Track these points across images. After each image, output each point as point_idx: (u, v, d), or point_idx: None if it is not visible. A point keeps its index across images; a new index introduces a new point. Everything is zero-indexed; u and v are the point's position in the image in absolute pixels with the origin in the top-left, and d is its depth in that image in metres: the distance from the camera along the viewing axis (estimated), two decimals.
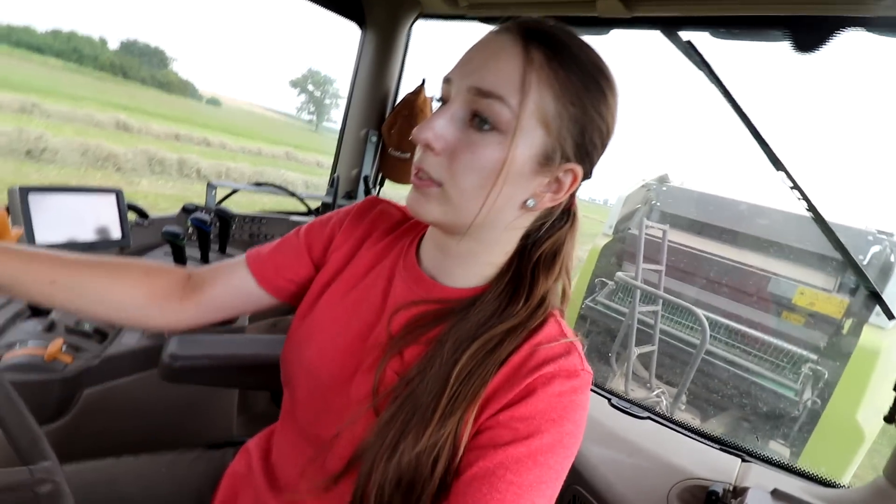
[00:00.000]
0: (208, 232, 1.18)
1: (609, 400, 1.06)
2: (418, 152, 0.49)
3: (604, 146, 0.49)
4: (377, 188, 1.61)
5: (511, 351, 0.48)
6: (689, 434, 0.99)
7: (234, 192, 1.40)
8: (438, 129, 0.46)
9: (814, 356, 3.13)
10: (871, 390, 2.88)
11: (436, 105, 0.51)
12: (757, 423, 3.25)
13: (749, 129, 0.96)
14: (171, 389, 0.87)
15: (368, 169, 1.54)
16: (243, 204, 1.28)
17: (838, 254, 3.07)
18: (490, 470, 0.43)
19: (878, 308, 2.94)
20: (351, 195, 1.57)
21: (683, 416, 3.31)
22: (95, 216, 1.12)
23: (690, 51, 0.99)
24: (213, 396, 1.10)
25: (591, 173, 0.50)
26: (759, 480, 0.80)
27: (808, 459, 2.97)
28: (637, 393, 3.38)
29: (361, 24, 1.45)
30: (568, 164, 0.47)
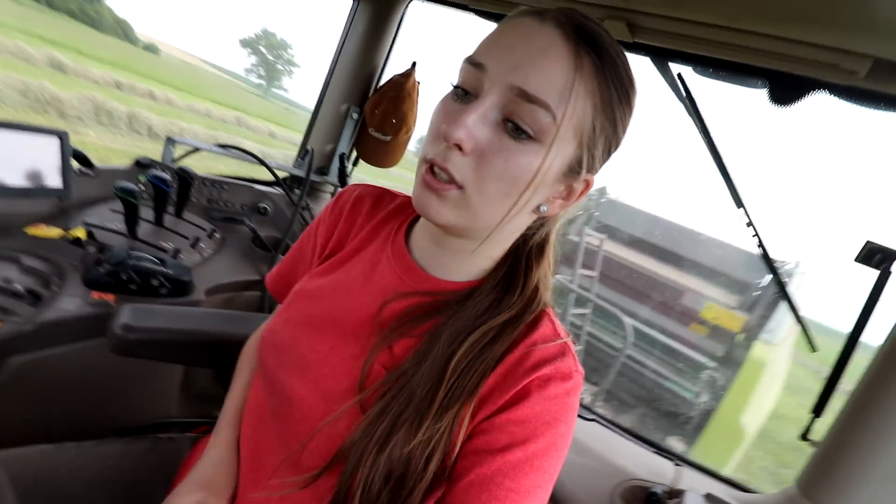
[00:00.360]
0: (168, 192, 1.09)
1: None
2: (433, 146, 0.44)
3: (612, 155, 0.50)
4: (351, 167, 1.55)
5: (508, 347, 0.48)
6: (629, 437, 1.07)
7: (195, 150, 1.29)
8: (473, 128, 0.42)
9: (712, 364, 3.52)
10: (755, 397, 3.29)
11: (430, 88, 0.49)
12: (659, 419, 3.60)
13: (718, 166, 1.04)
14: (113, 363, 0.79)
15: (345, 146, 1.48)
16: (196, 167, 1.17)
17: (745, 278, 3.44)
18: (488, 477, 0.43)
19: (770, 325, 3.39)
20: (323, 171, 1.51)
21: (599, 411, 3.59)
22: (32, 159, 0.99)
23: (678, 83, 1.05)
24: (157, 373, 1.03)
25: None
26: (690, 483, 0.89)
27: (699, 454, 3.35)
28: None
29: None
30: (587, 176, 0.48)
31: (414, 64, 1.39)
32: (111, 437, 0.71)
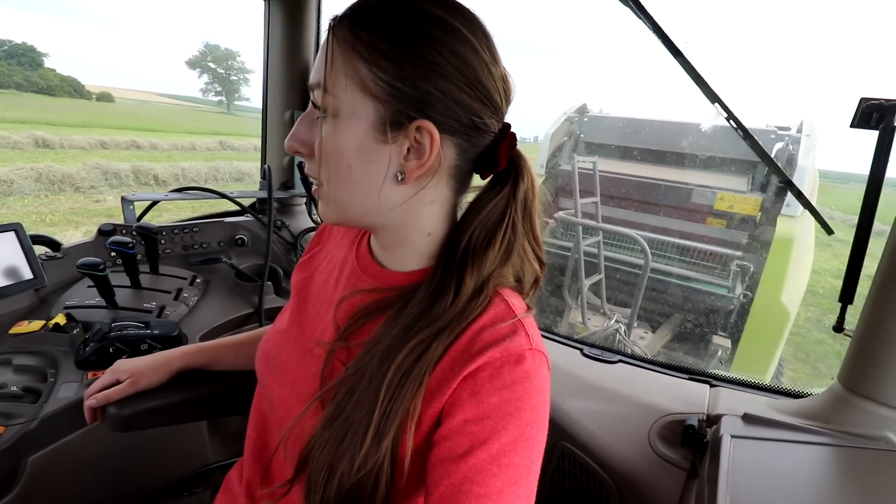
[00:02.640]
0: (133, 254, 1.06)
1: (581, 350, 1.09)
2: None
3: (463, 89, 0.44)
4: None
5: (446, 348, 0.46)
6: (658, 370, 1.03)
7: (154, 203, 1.25)
8: (298, 133, 0.48)
9: (739, 253, 3.42)
10: (790, 273, 3.21)
11: None
12: (699, 321, 3.56)
13: (683, 66, 0.96)
14: (129, 434, 0.80)
15: None
16: (180, 214, 1.17)
17: (750, 157, 3.26)
18: (456, 487, 0.41)
19: (787, 199, 3.27)
20: (288, 185, 1.46)
21: (637, 332, 3.57)
22: None
23: None
24: (178, 427, 1.03)
25: (468, 123, 0.46)
26: (729, 404, 0.85)
27: (747, 343, 3.32)
28: (594, 320, 3.57)
29: None
30: (416, 122, 0.44)
31: None
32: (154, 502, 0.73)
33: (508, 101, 0.49)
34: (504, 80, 0.48)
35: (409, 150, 0.45)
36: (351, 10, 0.45)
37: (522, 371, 0.44)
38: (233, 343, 0.80)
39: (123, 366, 0.74)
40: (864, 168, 0.83)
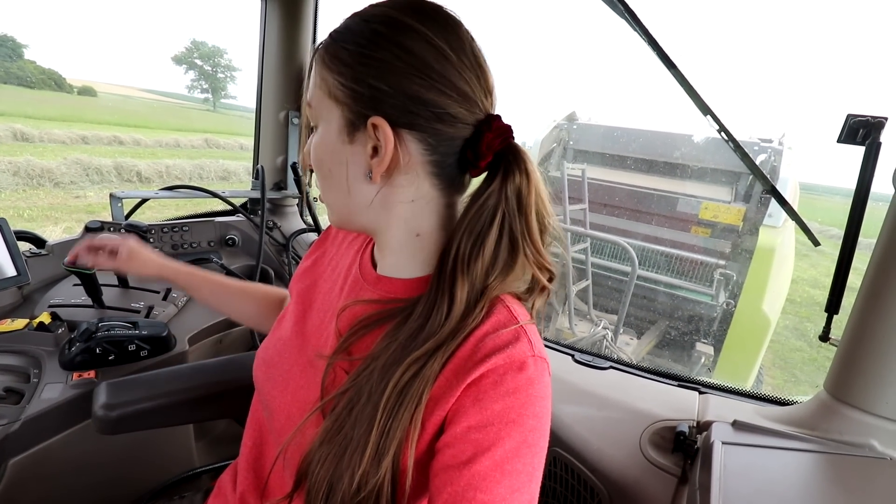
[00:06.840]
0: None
1: (573, 356, 1.09)
2: None
3: (415, 81, 0.44)
4: (308, 174, 1.49)
5: (443, 363, 0.45)
6: (649, 376, 1.04)
7: (144, 201, 1.23)
8: (305, 150, 0.53)
9: (722, 262, 3.49)
10: (771, 282, 3.29)
11: None
12: (683, 329, 3.63)
13: (677, 78, 0.98)
14: (114, 436, 0.77)
15: (295, 155, 1.41)
16: (173, 213, 1.15)
17: (734, 168, 3.33)
18: (459, 494, 0.40)
19: (770, 209, 3.35)
20: (280, 185, 1.45)
21: (623, 338, 3.61)
22: None
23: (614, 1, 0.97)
24: (164, 430, 1.01)
25: (429, 116, 0.45)
26: (718, 411, 0.86)
27: (729, 350, 3.38)
28: (581, 326, 3.61)
29: None
30: (370, 119, 0.45)
31: None
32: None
33: (487, 91, 0.47)
34: (475, 69, 0.46)
35: (374, 148, 0.46)
36: (328, 37, 0.49)
37: (525, 378, 0.44)
38: (216, 282, 0.84)
39: (132, 242, 0.81)
40: (847, 182, 0.86)
